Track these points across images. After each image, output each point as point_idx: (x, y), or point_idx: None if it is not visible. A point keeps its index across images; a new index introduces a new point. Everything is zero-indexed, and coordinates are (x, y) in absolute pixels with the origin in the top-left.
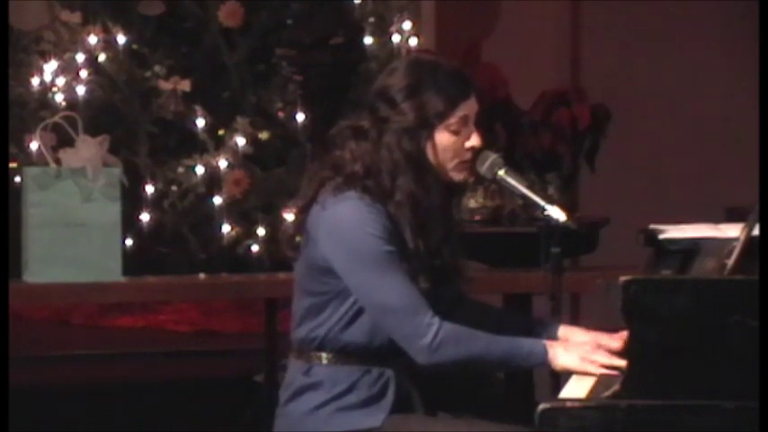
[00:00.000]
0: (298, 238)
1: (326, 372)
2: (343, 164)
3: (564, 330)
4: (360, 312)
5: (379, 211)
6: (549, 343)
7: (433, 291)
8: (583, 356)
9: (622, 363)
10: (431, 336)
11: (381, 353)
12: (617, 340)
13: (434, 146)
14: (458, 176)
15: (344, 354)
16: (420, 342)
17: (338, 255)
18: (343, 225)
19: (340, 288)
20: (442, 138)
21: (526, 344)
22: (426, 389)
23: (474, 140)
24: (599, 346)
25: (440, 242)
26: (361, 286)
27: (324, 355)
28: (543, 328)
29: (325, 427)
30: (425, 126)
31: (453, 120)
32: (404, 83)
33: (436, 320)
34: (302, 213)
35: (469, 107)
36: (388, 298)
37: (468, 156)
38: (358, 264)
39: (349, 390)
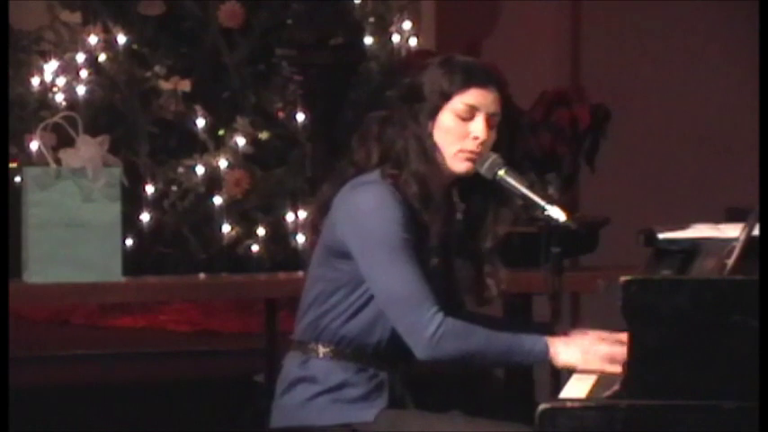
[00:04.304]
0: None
1: (322, 365)
2: (365, 155)
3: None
4: (364, 306)
5: (399, 199)
6: (550, 340)
7: (442, 286)
8: (585, 351)
9: (624, 354)
10: (433, 328)
11: (377, 355)
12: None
13: (438, 126)
14: (458, 166)
15: (340, 349)
16: (422, 334)
17: (355, 237)
18: (363, 208)
19: (351, 275)
20: (446, 118)
21: (527, 341)
22: (420, 394)
23: (479, 131)
24: (601, 340)
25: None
26: (372, 269)
27: (321, 348)
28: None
29: (318, 419)
30: (432, 102)
31: (459, 101)
32: (423, 66)
33: (440, 315)
34: (327, 202)
35: (482, 97)
36: (397, 285)
37: (472, 146)
38: (373, 247)
39: (344, 384)
